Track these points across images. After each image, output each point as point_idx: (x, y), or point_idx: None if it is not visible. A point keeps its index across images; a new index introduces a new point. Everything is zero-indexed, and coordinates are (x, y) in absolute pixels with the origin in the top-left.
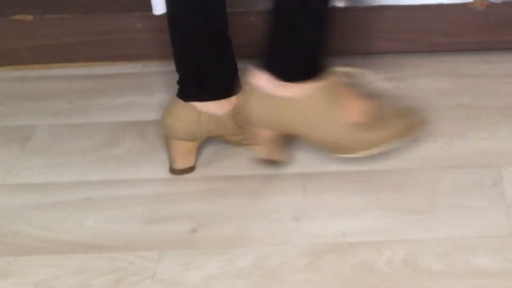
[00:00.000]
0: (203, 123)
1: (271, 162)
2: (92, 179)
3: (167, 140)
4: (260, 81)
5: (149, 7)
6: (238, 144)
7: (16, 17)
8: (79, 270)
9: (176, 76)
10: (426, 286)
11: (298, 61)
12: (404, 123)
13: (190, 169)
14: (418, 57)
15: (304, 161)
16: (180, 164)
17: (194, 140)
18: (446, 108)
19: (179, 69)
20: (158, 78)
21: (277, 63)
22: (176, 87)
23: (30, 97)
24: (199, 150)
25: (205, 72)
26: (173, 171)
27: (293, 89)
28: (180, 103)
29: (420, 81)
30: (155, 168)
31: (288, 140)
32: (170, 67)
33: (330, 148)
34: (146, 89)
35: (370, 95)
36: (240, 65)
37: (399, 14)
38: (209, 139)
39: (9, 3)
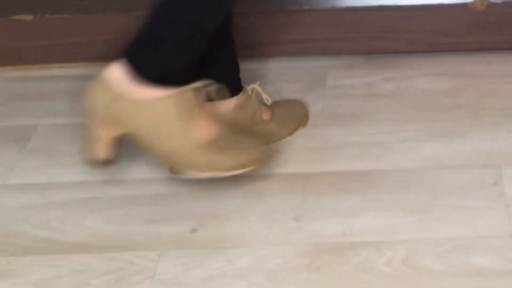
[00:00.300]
0: None
1: (105, 162)
2: (92, 179)
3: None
4: (115, 73)
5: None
6: None
7: (16, 17)
8: (79, 270)
9: None
10: (426, 286)
11: (167, 64)
12: (251, 154)
13: None
14: (418, 57)
15: (304, 161)
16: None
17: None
18: (446, 108)
19: None
20: None
21: (144, 59)
22: None
23: (30, 97)
24: None
25: (209, 71)
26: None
27: (146, 91)
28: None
29: (420, 81)
30: (155, 168)
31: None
32: None
33: (170, 162)
34: None
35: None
36: (240, 65)
37: (399, 14)
38: None
39: (9, 3)
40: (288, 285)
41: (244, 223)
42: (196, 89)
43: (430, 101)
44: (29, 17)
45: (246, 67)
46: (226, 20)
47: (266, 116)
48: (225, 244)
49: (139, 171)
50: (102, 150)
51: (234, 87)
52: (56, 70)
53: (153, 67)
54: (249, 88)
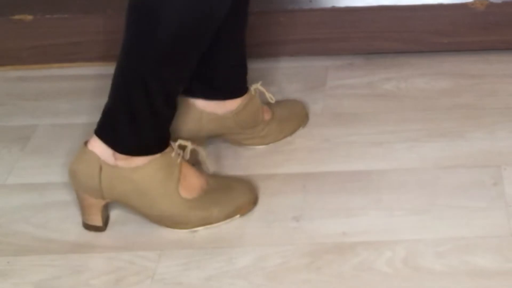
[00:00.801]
0: (204, 122)
1: (95, 228)
2: None
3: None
4: (96, 147)
5: None
6: (238, 143)
7: (16, 17)
8: (79, 270)
9: None
10: (426, 286)
11: (137, 137)
12: (236, 202)
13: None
14: (418, 57)
15: (304, 161)
16: None
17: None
18: (446, 108)
19: None
20: None
21: (116, 137)
22: None
23: (30, 97)
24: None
25: (217, 70)
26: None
27: (127, 160)
28: (182, 100)
29: (420, 81)
30: None
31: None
32: None
33: (163, 224)
34: None
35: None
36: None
37: (399, 14)
38: (209, 139)
39: (9, 3)
40: (288, 285)
41: (244, 223)
42: (175, 150)
43: (430, 101)
44: (29, 17)
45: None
46: (238, 20)
47: (267, 116)
48: (225, 244)
49: None
50: (93, 218)
51: (239, 88)
52: (56, 70)
53: (127, 142)
54: (252, 88)
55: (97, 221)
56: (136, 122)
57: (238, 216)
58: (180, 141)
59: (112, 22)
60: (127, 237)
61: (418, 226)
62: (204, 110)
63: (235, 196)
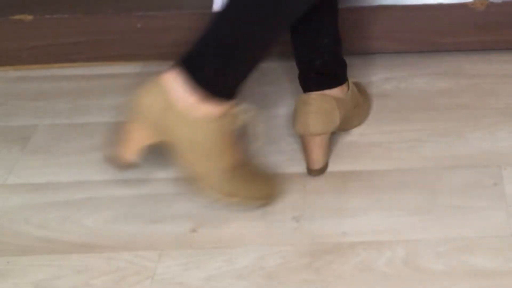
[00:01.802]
0: (339, 109)
1: (128, 165)
2: (92, 179)
3: (304, 138)
4: (171, 82)
5: (149, 7)
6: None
7: (16, 17)
8: (79, 270)
9: None
10: (426, 286)
11: (231, 76)
12: (262, 191)
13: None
14: (418, 57)
15: (304, 161)
16: (322, 162)
17: (333, 130)
18: (446, 108)
19: (307, 60)
20: None
21: (207, 71)
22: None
23: (30, 97)
24: None
25: (329, 60)
26: (314, 172)
27: (199, 105)
28: (315, 96)
29: (420, 81)
30: (155, 168)
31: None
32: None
33: (197, 180)
34: None
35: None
36: None
37: (399, 14)
38: None
39: (9, 3)
40: (288, 285)
41: (244, 223)
42: (238, 112)
43: (430, 101)
44: (29, 17)
45: None
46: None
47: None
48: (225, 244)
49: (139, 171)
50: (130, 153)
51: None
52: (56, 70)
53: (214, 80)
54: None
55: (135, 157)
56: (230, 61)
57: (258, 204)
58: (245, 105)
59: (112, 22)
60: (127, 237)
61: (418, 226)
62: (335, 97)
63: (262, 184)
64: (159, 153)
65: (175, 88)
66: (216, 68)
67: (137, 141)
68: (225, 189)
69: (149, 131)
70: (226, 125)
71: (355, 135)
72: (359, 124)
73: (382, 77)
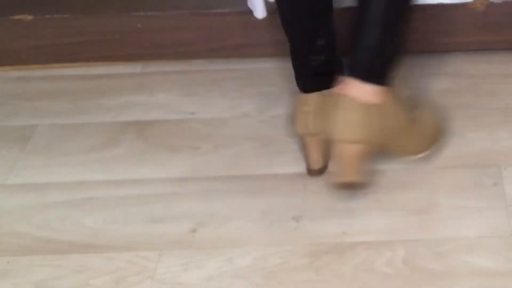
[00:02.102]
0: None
1: (353, 185)
2: (92, 179)
3: (304, 138)
4: (351, 90)
5: (149, 7)
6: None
7: (16, 17)
8: (79, 270)
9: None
10: (426, 286)
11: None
12: (434, 131)
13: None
14: (418, 57)
15: (304, 161)
16: (322, 163)
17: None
18: (446, 108)
19: (304, 61)
20: (158, 78)
21: (381, 74)
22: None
23: (30, 97)
24: (196, 150)
25: (331, 60)
26: (314, 172)
27: (379, 96)
28: (314, 96)
29: (420, 81)
30: (155, 168)
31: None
32: (170, 67)
33: (404, 151)
34: (146, 89)
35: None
36: (240, 65)
37: None
38: (209, 140)
39: (9, 3)
40: (288, 285)
41: (244, 223)
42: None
43: (430, 101)
44: (29, 17)
45: (246, 66)
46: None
47: None
48: (225, 244)
49: (139, 171)
50: (353, 173)
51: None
52: (56, 70)
53: (382, 76)
54: None
55: (357, 176)
56: (394, 57)
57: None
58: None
59: (112, 22)
60: (127, 237)
61: (418, 226)
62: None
63: (430, 130)
64: (161, 153)
65: (359, 92)
66: (381, 69)
67: (355, 158)
68: (420, 146)
69: (369, 142)
70: (395, 102)
71: None
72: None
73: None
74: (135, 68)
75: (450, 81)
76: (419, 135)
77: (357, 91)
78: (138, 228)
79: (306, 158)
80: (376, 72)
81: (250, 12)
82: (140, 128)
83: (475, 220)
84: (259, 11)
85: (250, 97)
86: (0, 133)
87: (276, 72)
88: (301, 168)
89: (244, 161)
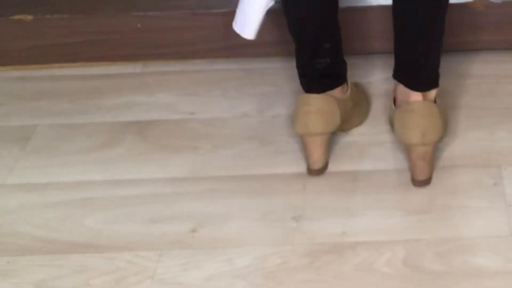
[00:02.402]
0: (339, 109)
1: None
2: (92, 179)
3: (305, 138)
4: (421, 96)
5: (149, 7)
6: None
7: (16, 17)
8: (79, 270)
9: (176, 77)
10: (426, 286)
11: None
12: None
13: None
14: None
15: (304, 161)
16: (322, 162)
17: (333, 130)
18: (446, 108)
19: (309, 64)
20: (158, 78)
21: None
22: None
23: (30, 97)
24: (196, 150)
25: (336, 62)
26: (314, 172)
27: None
28: (316, 96)
29: None
30: (155, 168)
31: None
32: (170, 67)
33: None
34: (146, 89)
35: None
36: (240, 65)
37: None
38: (208, 140)
39: (9, 3)
40: (287, 285)
41: (244, 223)
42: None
43: None
44: (29, 17)
45: (246, 66)
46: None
47: None
48: (225, 244)
49: (139, 171)
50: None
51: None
52: (56, 70)
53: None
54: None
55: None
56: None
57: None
58: None
59: (112, 22)
60: (127, 237)
61: (418, 226)
62: (336, 97)
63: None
64: (161, 153)
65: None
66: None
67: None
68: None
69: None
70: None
71: (355, 135)
72: (359, 124)
73: (382, 77)
74: (135, 68)
75: (450, 81)
76: None
77: (425, 96)
78: (138, 228)
79: (306, 158)
80: (436, 79)
81: None
82: (140, 128)
83: (475, 220)
84: (250, 32)
85: (250, 97)
86: (0, 133)
87: (276, 72)
88: (301, 168)
89: (244, 161)
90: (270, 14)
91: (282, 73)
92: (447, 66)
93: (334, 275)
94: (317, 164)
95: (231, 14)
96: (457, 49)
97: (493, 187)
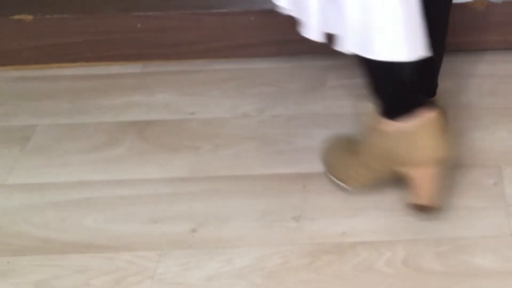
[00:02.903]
0: None
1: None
2: (92, 179)
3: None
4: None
5: (149, 7)
6: None
7: (16, 17)
8: (79, 270)
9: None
10: (426, 286)
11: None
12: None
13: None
14: None
15: (304, 161)
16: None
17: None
18: (446, 108)
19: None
20: (158, 78)
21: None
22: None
23: (30, 97)
24: (196, 150)
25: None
26: (429, 209)
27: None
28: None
29: None
30: (155, 168)
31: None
32: (170, 67)
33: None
34: (146, 89)
35: None
36: (240, 65)
37: None
38: (208, 140)
39: (9, 3)
40: (288, 285)
41: (244, 223)
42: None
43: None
44: (29, 17)
45: (246, 66)
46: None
47: None
48: (225, 244)
49: (139, 171)
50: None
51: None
52: (56, 70)
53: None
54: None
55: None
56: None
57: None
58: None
59: (112, 22)
60: (127, 237)
61: (418, 226)
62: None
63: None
64: (161, 153)
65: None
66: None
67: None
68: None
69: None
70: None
71: (355, 135)
72: None
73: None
74: (135, 68)
75: (450, 81)
76: None
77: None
78: (138, 228)
79: (418, 191)
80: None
81: (250, 12)
82: (140, 128)
83: (475, 220)
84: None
85: (250, 97)
86: (0, 133)
87: (276, 72)
88: (301, 168)
89: (244, 161)
90: (268, 14)
91: (282, 73)
92: (447, 66)
93: (334, 275)
94: (434, 199)
95: (231, 14)
96: (457, 49)
97: (493, 187)
